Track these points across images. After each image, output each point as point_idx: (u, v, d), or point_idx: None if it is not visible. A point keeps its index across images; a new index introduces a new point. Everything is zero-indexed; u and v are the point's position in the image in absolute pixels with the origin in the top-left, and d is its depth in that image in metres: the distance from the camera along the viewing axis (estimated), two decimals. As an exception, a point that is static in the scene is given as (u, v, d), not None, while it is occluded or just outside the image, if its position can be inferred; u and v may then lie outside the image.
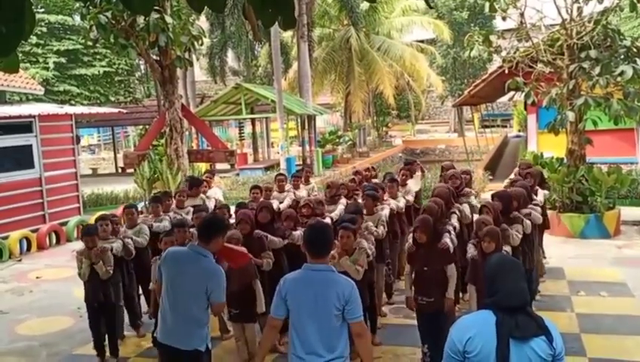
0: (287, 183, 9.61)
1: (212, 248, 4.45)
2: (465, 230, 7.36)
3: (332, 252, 5.22)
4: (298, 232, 6.62)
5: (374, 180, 9.76)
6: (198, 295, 4.32)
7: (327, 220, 7.28)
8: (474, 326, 2.95)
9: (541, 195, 8.37)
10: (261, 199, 8.21)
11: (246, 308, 5.81)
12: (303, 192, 9.46)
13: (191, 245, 4.60)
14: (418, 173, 9.63)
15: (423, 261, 5.50)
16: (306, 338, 3.78)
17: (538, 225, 7.63)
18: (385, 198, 7.75)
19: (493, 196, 6.80)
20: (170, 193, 8.89)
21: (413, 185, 9.06)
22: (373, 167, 10.93)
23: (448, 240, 5.81)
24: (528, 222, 6.74)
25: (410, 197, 8.65)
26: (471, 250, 5.68)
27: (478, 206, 7.62)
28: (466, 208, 7.56)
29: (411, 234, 5.81)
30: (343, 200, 8.08)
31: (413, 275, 5.67)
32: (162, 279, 4.50)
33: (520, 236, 6.36)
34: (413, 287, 5.67)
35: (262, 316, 5.70)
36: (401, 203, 8.07)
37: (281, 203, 8.83)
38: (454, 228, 6.57)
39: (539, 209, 7.46)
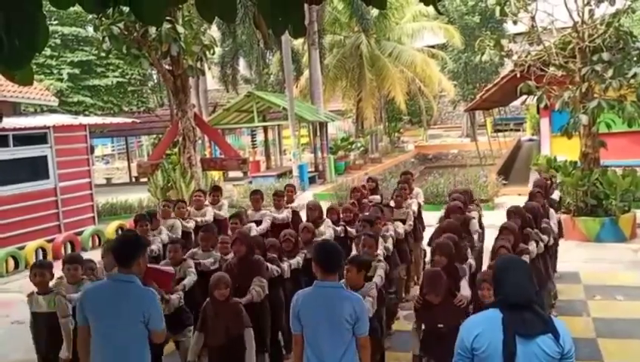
0: (262, 201, 8.60)
1: (135, 271, 3.97)
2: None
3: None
4: (285, 264, 6.17)
5: (373, 197, 9.15)
6: (135, 327, 3.86)
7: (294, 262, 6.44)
8: (481, 324, 3.00)
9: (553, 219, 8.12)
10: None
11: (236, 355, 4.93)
12: (283, 214, 8.22)
13: (111, 274, 4.09)
14: (414, 200, 8.82)
15: (436, 318, 4.69)
16: (320, 353, 3.98)
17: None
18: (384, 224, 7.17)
19: (501, 230, 6.24)
20: (154, 213, 8.18)
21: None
22: (371, 178, 10.14)
23: (466, 293, 5.00)
24: (533, 243, 6.47)
25: (409, 224, 8.17)
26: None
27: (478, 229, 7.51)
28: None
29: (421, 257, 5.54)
30: (329, 222, 7.44)
31: (422, 332, 4.92)
32: (87, 322, 3.95)
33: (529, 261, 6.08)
34: (422, 342, 4.90)
35: None
36: (401, 229, 7.59)
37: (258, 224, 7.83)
38: (470, 266, 6.07)
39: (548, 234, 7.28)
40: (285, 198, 8.58)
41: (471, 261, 6.26)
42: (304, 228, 6.89)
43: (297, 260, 6.41)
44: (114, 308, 3.85)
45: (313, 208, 7.59)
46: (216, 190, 9.58)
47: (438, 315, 4.66)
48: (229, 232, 7.15)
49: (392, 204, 8.40)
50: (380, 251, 6.22)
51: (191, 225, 8.40)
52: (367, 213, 7.40)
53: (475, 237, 7.31)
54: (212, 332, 4.93)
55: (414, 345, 4.99)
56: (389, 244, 6.84)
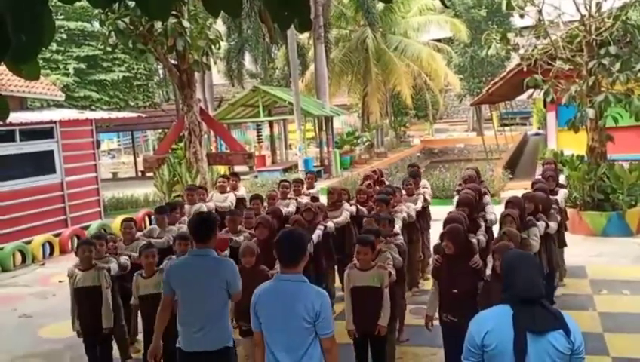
0: (290, 190, 9.20)
1: (211, 246, 4.50)
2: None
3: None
4: (317, 232, 6.80)
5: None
6: (219, 292, 4.36)
7: (330, 224, 7.37)
8: (491, 320, 2.97)
9: (561, 195, 8.29)
10: (262, 210, 7.95)
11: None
12: (304, 199, 8.96)
13: (191, 250, 4.67)
14: (423, 190, 9.06)
15: (451, 282, 5.03)
16: (277, 353, 3.64)
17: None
18: (395, 206, 7.55)
19: (507, 203, 6.55)
20: (179, 203, 8.73)
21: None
22: (376, 170, 10.56)
23: (480, 261, 5.25)
24: (542, 223, 6.66)
25: (420, 204, 8.44)
26: (488, 267, 5.17)
27: (494, 216, 7.58)
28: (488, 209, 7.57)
29: (429, 245, 5.69)
30: (347, 206, 7.93)
31: (438, 293, 5.25)
32: (172, 292, 4.49)
33: (538, 240, 6.28)
34: (439, 302, 5.25)
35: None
36: (412, 210, 7.93)
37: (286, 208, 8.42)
38: (479, 241, 6.39)
39: (557, 217, 7.34)
40: (306, 185, 9.53)
41: (481, 236, 6.57)
42: (295, 222, 6.93)
43: (317, 234, 6.98)
44: (198, 279, 4.36)
45: (332, 192, 8.15)
46: (234, 175, 10.54)
47: (452, 279, 5.00)
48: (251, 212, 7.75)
49: (403, 192, 8.65)
50: (398, 228, 6.65)
51: (211, 205, 9.14)
52: (380, 193, 7.66)
53: (492, 217, 7.40)
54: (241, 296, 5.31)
55: (430, 306, 5.38)
56: (399, 223, 7.20)
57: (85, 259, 5.82)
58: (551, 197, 7.65)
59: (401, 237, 6.48)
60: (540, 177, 8.81)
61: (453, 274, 5.03)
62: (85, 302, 5.77)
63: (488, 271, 5.08)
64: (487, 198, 7.95)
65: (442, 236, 5.25)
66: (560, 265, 8.10)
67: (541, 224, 6.58)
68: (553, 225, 6.92)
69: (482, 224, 6.96)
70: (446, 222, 5.63)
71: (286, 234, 3.96)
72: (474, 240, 6.00)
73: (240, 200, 9.80)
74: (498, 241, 5.28)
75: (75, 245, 6.15)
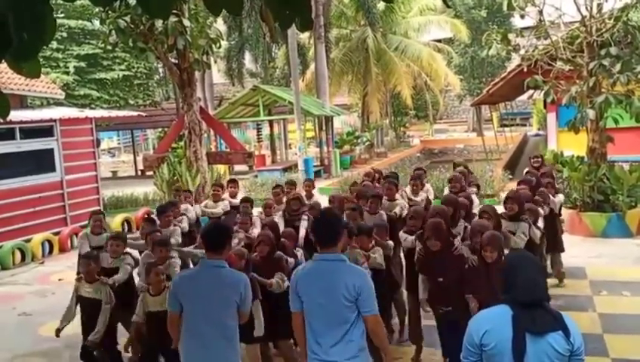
0: (283, 195, 8.70)
1: (225, 257, 4.19)
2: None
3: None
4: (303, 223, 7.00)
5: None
6: (231, 308, 4.06)
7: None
8: (490, 320, 2.97)
9: (557, 201, 8.26)
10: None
11: (245, 329, 4.98)
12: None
13: (202, 261, 4.28)
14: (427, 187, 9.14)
15: (436, 272, 5.16)
16: (317, 333, 3.67)
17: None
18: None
19: (506, 199, 6.67)
20: (174, 203, 8.61)
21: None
22: (373, 169, 10.58)
23: (461, 246, 5.34)
24: (527, 224, 6.61)
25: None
26: (468, 254, 5.14)
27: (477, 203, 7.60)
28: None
29: (417, 241, 5.66)
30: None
31: (427, 281, 5.40)
32: (179, 308, 4.11)
33: (525, 237, 6.29)
34: (428, 294, 5.40)
35: (261, 339, 5.37)
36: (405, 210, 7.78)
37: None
38: (465, 228, 6.35)
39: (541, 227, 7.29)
40: (304, 193, 8.90)
41: (465, 224, 6.49)
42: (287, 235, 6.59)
43: (303, 225, 7.10)
44: (209, 292, 4.03)
45: (333, 200, 7.92)
46: (233, 182, 10.20)
47: (436, 268, 5.15)
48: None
49: (407, 191, 8.67)
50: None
51: (194, 215, 8.89)
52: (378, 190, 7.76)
53: (475, 210, 7.38)
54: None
55: (420, 291, 5.52)
56: (399, 210, 7.36)
57: (88, 273, 5.83)
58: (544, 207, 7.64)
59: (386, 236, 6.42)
60: (528, 176, 8.81)
61: (437, 265, 5.15)
62: (86, 311, 5.83)
63: (467, 254, 5.11)
64: (475, 199, 8.08)
65: (425, 232, 5.27)
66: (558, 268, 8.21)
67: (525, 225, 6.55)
68: (537, 233, 6.84)
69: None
70: (431, 215, 5.67)
71: (322, 214, 4.08)
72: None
73: (235, 208, 9.18)
74: (476, 232, 5.29)
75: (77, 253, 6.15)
